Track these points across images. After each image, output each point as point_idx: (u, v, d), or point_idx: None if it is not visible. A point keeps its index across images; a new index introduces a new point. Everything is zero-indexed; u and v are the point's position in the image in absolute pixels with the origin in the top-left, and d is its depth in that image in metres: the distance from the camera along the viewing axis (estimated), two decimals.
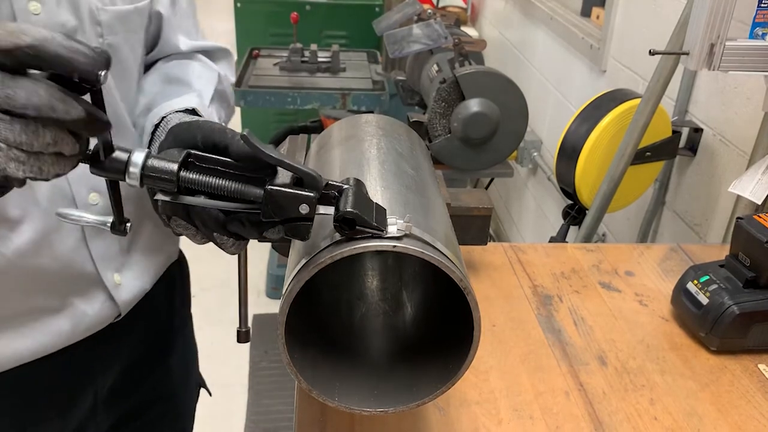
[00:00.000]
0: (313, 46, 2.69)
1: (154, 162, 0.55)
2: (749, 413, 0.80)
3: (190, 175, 0.55)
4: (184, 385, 1.02)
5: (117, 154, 0.54)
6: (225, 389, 1.13)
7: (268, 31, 3.12)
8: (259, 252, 2.73)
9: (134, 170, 0.54)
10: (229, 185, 0.55)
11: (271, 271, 2.69)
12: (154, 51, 0.84)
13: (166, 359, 0.96)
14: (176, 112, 0.70)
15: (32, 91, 0.42)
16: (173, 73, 0.81)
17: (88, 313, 0.76)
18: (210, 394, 1.10)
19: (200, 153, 0.56)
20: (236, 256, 0.69)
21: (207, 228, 0.57)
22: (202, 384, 1.08)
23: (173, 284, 0.97)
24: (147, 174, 0.54)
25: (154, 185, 0.55)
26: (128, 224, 0.58)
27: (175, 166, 0.54)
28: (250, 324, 0.73)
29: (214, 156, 0.56)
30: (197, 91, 0.78)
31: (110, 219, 0.57)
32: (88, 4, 0.70)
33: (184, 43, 0.85)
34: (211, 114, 0.78)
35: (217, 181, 0.55)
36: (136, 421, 0.94)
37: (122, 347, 0.86)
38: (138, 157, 0.54)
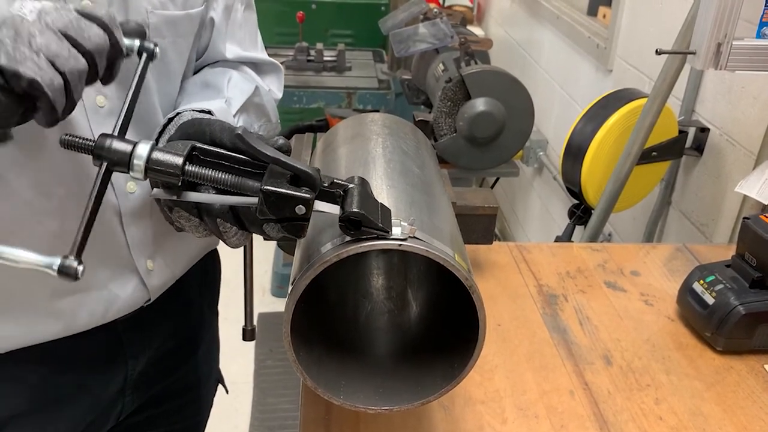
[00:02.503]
0: (319, 45, 2.70)
1: (158, 155, 0.54)
2: (755, 413, 0.80)
3: (195, 169, 0.55)
4: (206, 379, 1.05)
5: (121, 145, 0.54)
6: (230, 387, 1.14)
7: (274, 30, 3.12)
8: (264, 251, 2.74)
9: (138, 162, 0.54)
10: (232, 179, 0.55)
11: (277, 269, 2.69)
12: (203, 57, 0.86)
13: (194, 353, 0.99)
14: (192, 110, 0.71)
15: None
16: (210, 78, 0.83)
17: (120, 297, 0.79)
18: (227, 391, 1.12)
19: (204, 146, 0.56)
20: (242, 255, 0.69)
21: (211, 216, 0.57)
22: (220, 380, 1.10)
23: (207, 280, 0.99)
24: (151, 167, 0.54)
25: (158, 178, 0.55)
26: (80, 267, 0.50)
27: (180, 160, 0.54)
28: (255, 322, 0.73)
29: (218, 150, 0.56)
30: (226, 98, 0.79)
31: (57, 261, 0.49)
32: (138, 6, 0.71)
33: (230, 52, 0.86)
34: (236, 123, 0.79)
35: (221, 175, 0.55)
36: (159, 407, 0.96)
37: (155, 336, 0.89)
38: (143, 150, 0.54)
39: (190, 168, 0.55)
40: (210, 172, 0.55)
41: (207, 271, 0.98)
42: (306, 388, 0.78)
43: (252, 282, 0.75)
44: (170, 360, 0.93)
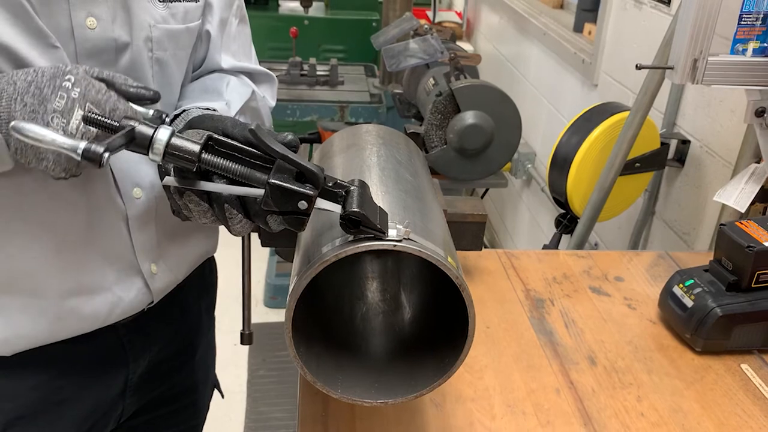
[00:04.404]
0: (312, 60, 2.75)
1: (177, 141, 0.57)
2: (731, 410, 0.83)
3: (209, 157, 0.58)
4: (203, 383, 1.07)
5: (143, 128, 0.57)
6: (224, 395, 1.17)
7: (268, 45, 3.18)
8: (257, 262, 2.76)
9: (158, 146, 0.57)
10: (242, 170, 0.58)
11: (270, 280, 2.71)
12: (200, 68, 0.90)
13: (192, 357, 1.02)
14: (198, 107, 0.75)
15: None
16: (209, 84, 0.87)
17: (124, 299, 0.82)
18: (222, 396, 1.14)
19: (219, 138, 0.59)
20: (237, 265, 0.72)
21: (219, 203, 0.60)
22: (216, 385, 1.13)
23: (204, 286, 1.03)
24: (170, 152, 0.57)
25: (175, 163, 0.58)
26: (106, 154, 0.54)
27: (197, 147, 0.57)
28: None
29: (232, 142, 0.59)
30: (226, 100, 0.83)
31: (82, 144, 0.54)
32: (141, 21, 0.74)
33: (226, 62, 0.90)
34: None
35: (233, 165, 0.58)
36: (158, 410, 0.99)
37: (155, 340, 0.91)
38: (163, 134, 0.57)
39: (205, 156, 0.58)
40: (223, 162, 0.58)
41: (204, 276, 1.01)
42: (304, 386, 0.81)
43: (250, 286, 0.78)
44: (170, 363, 0.96)
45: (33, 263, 0.74)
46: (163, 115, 0.65)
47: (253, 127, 0.58)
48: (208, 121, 0.67)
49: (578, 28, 2.27)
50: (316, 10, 3.37)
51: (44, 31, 0.66)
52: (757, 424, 0.81)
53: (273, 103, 0.98)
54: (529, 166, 2.46)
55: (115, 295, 0.81)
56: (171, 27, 0.78)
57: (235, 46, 0.91)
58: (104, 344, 0.85)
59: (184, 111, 0.75)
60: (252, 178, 0.58)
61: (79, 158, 0.53)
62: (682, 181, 1.57)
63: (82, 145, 0.53)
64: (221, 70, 0.90)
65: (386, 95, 2.62)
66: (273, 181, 0.57)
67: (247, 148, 0.59)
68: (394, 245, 0.57)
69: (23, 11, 0.64)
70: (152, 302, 0.86)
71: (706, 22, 1.01)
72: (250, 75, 0.95)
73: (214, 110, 0.76)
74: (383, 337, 0.75)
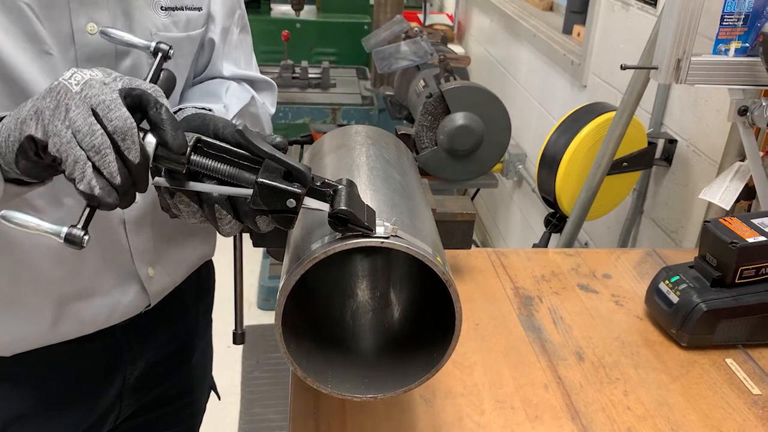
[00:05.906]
0: (304, 63, 2.76)
1: None
2: (716, 403, 0.85)
3: (198, 159, 0.59)
4: (200, 385, 1.08)
5: None
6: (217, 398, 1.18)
7: (260, 48, 3.18)
8: (250, 265, 2.77)
9: (148, 149, 0.57)
10: (231, 171, 0.59)
11: (263, 282, 2.72)
12: (201, 75, 0.90)
13: (189, 359, 1.02)
14: (194, 107, 0.76)
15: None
16: (209, 88, 0.88)
17: (122, 302, 0.83)
18: (219, 398, 1.15)
19: (208, 139, 0.60)
20: (230, 266, 0.73)
21: (209, 203, 0.61)
22: (213, 387, 1.14)
23: (202, 289, 1.03)
24: (159, 154, 0.58)
25: (165, 165, 0.59)
26: (86, 237, 0.55)
27: (186, 150, 0.58)
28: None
29: (220, 143, 0.60)
30: (224, 104, 0.84)
31: (65, 229, 0.55)
32: (143, 29, 0.75)
33: (227, 70, 0.91)
34: None
35: (221, 166, 0.59)
36: (155, 412, 1.00)
37: (152, 341, 0.92)
38: (152, 138, 0.58)
39: (194, 158, 0.59)
40: (211, 163, 0.59)
41: (202, 280, 1.02)
42: (296, 382, 0.82)
43: (242, 286, 0.78)
44: (167, 365, 0.97)
45: (34, 270, 0.75)
46: (167, 50, 0.63)
47: (240, 128, 0.59)
48: (200, 119, 0.67)
49: (567, 30, 2.30)
50: (308, 13, 3.39)
51: (40, 37, 0.67)
52: (741, 417, 0.83)
53: (273, 110, 0.99)
54: (520, 166, 2.48)
55: (113, 299, 0.82)
56: (172, 35, 0.78)
57: (237, 54, 0.92)
58: (102, 346, 0.85)
59: (179, 110, 0.76)
60: (240, 178, 0.59)
61: (62, 241, 0.54)
62: (669, 180, 1.59)
63: (65, 230, 0.55)
64: (222, 78, 0.91)
65: (378, 97, 2.64)
66: (261, 180, 0.58)
67: (235, 149, 0.60)
68: (382, 242, 0.58)
69: (23, 16, 0.65)
70: (149, 305, 0.87)
71: (689, 23, 1.03)
72: (251, 82, 0.96)
73: (210, 110, 0.76)
74: (373, 334, 0.76)
